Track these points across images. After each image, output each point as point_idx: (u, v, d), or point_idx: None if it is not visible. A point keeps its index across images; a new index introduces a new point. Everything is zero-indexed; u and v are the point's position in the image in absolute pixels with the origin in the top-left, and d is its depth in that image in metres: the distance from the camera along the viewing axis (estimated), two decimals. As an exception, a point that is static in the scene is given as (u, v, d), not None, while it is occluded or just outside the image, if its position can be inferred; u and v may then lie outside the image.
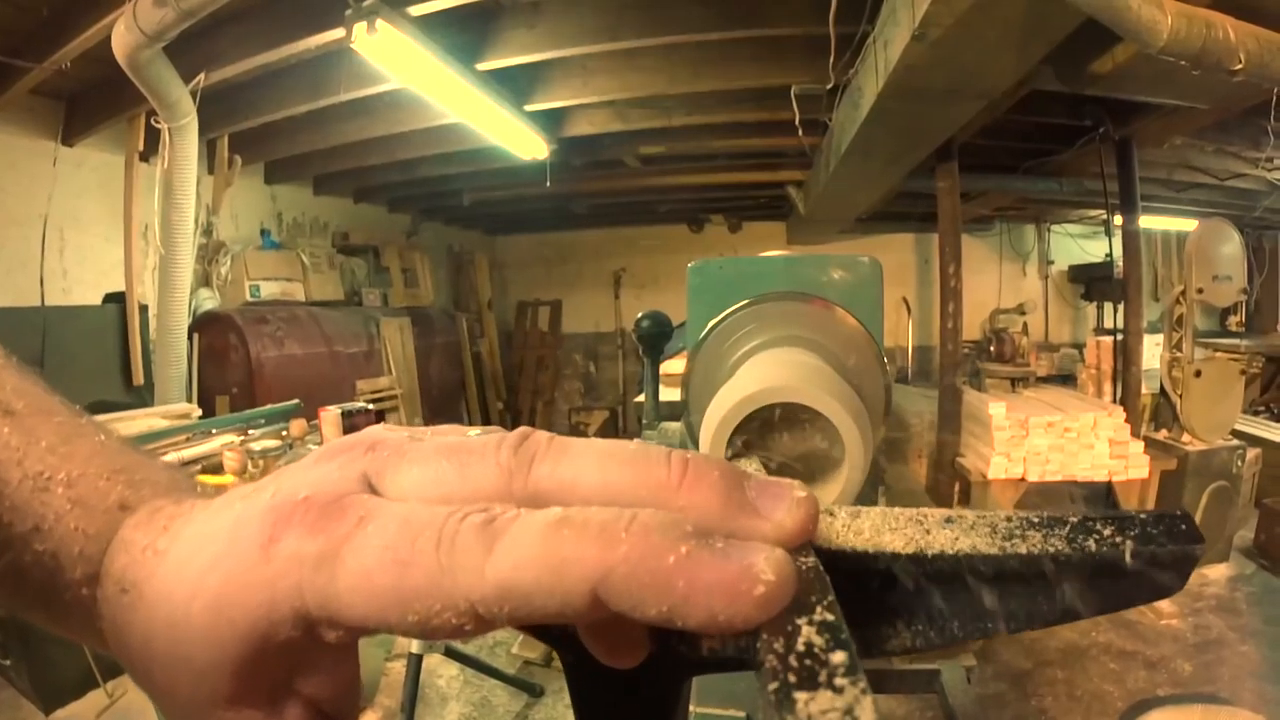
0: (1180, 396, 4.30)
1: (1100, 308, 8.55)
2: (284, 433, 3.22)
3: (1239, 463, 4.27)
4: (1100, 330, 7.90)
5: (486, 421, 8.27)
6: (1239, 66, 1.92)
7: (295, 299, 5.52)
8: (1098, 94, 3.39)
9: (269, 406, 3.58)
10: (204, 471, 2.62)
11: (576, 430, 9.10)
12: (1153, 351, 4.99)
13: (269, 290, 5.31)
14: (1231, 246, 4.33)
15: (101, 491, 0.29)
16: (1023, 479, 4.22)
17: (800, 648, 0.19)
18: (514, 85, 3.98)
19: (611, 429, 9.10)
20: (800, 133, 4.14)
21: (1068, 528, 0.26)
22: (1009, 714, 3.05)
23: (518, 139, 4.47)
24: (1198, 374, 4.25)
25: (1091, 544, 0.26)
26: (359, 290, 6.51)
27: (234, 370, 4.65)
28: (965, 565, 0.26)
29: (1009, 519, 0.27)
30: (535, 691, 3.27)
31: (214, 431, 3.04)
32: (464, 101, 3.70)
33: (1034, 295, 9.14)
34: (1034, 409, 4.37)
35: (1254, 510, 4.60)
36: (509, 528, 0.21)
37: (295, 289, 5.56)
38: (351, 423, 3.24)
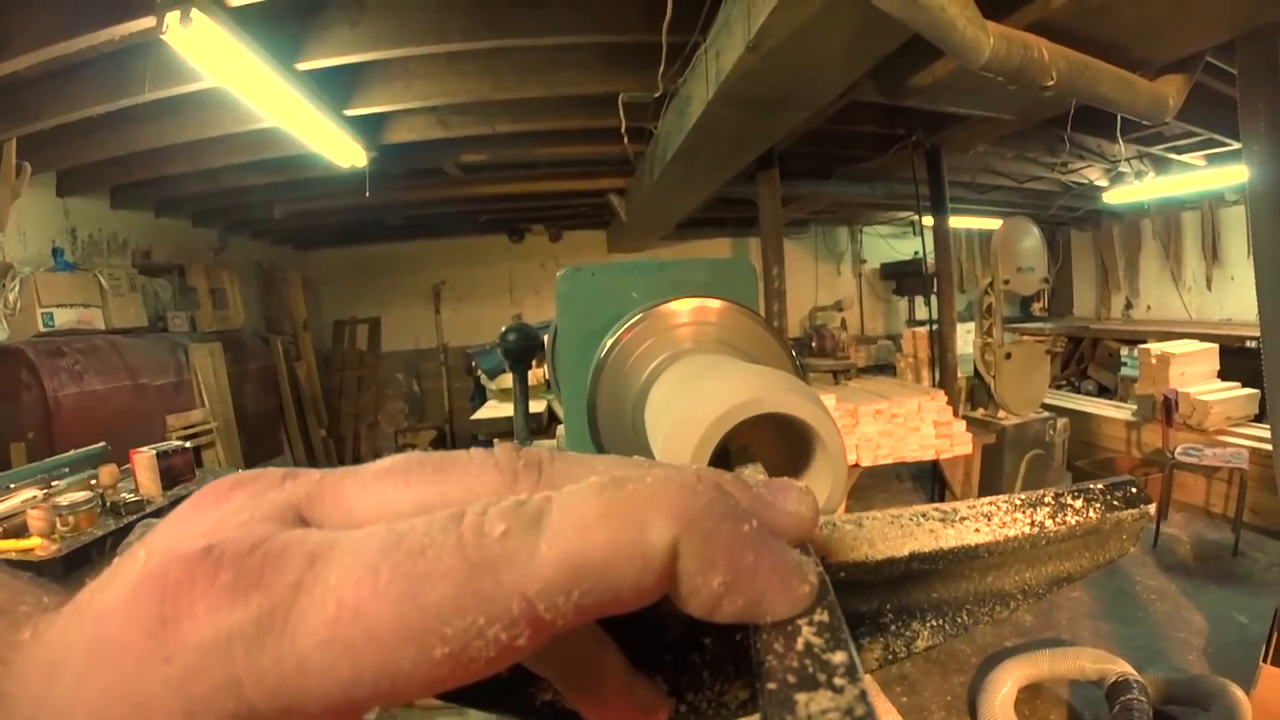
0: (994, 377, 4.76)
1: (911, 301, 9.34)
2: (93, 481, 2.86)
3: (1051, 432, 4.81)
4: (913, 322, 8.62)
5: (309, 449, 7.84)
6: (1050, 83, 2.14)
7: (94, 327, 5.00)
8: (915, 105, 3.67)
9: (72, 452, 3.19)
10: (5, 535, 2.26)
11: (404, 452, 8.79)
12: (964, 338, 5.49)
13: (64, 318, 4.76)
14: (1032, 241, 4.85)
15: None
16: (856, 464, 4.49)
17: (800, 648, 0.19)
18: (333, 87, 3.78)
19: (441, 447, 8.82)
20: (625, 140, 4.18)
21: (1048, 507, 0.28)
22: (874, 680, 3.21)
23: (335, 146, 4.25)
24: (1008, 356, 4.73)
25: (1071, 518, 0.28)
26: (164, 314, 5.99)
27: (28, 412, 4.14)
28: (974, 555, 0.27)
29: (996, 505, 0.28)
30: (404, 730, 3.09)
31: (12, 486, 2.65)
32: (281, 104, 3.46)
33: (849, 292, 9.88)
34: (861, 398, 4.67)
35: (1067, 472, 5.23)
36: (551, 502, 0.18)
37: (93, 315, 5.02)
38: (168, 464, 2.99)
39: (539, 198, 7.09)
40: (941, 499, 5.04)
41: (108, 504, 2.71)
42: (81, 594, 0.19)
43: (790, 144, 4.68)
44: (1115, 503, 0.29)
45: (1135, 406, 5.81)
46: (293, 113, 3.62)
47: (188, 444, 3.20)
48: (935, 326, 5.59)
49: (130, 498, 2.79)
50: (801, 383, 0.66)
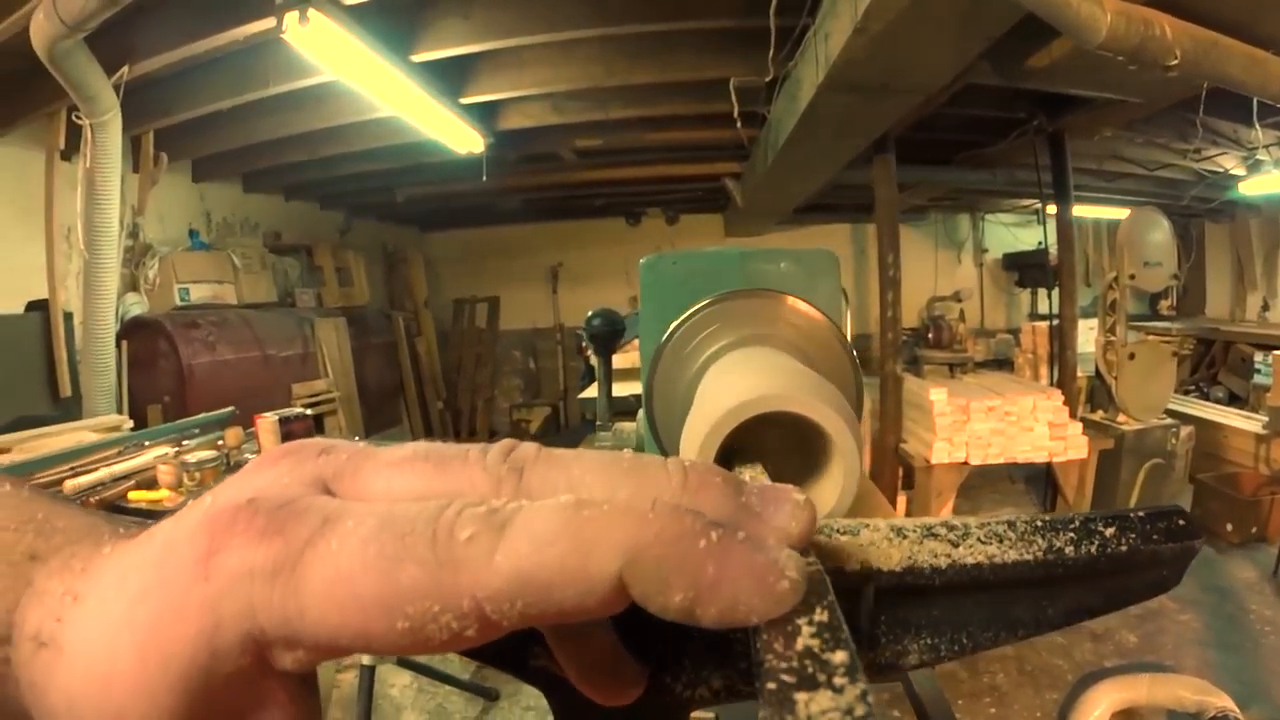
0: (1115, 378, 4.47)
1: (1034, 294, 8.85)
2: (219, 442, 3.09)
3: (1173, 440, 4.46)
4: (1034, 316, 8.18)
5: (426, 421, 8.19)
6: (1174, 63, 1.98)
7: (226, 302, 5.38)
8: (1033, 88, 3.47)
9: (202, 415, 3.45)
10: (137, 487, 2.48)
11: (518, 428, 9.05)
12: (1087, 335, 5.17)
13: (199, 293, 5.16)
14: (1161, 234, 4.51)
15: (8, 544, 0.25)
16: (965, 463, 4.33)
17: (800, 648, 0.19)
18: (449, 77, 3.91)
19: (553, 426, 9.07)
20: (739, 125, 4.14)
21: (1071, 531, 0.27)
22: (964, 690, 3.12)
23: (453, 133, 4.40)
24: (1131, 356, 4.42)
25: (1095, 547, 0.26)
26: (292, 291, 6.37)
27: (164, 378, 4.50)
28: (975, 576, 0.26)
29: (1012, 525, 0.27)
30: (491, 696, 3.23)
31: (146, 444, 2.91)
32: (398, 94, 3.62)
33: (969, 283, 9.41)
34: (974, 394, 4.49)
35: (1189, 485, 4.83)
36: (517, 515, 0.20)
37: (226, 291, 5.41)
38: (289, 429, 3.15)
39: (654, 182, 7.12)
40: (1054, 505, 4.80)
41: (231, 463, 2.89)
42: (156, 525, 0.24)
43: (907, 129, 4.51)
44: (1154, 535, 0.27)
45: (1266, 418, 5.29)
46: (410, 102, 3.76)
47: (309, 412, 3.38)
48: (1055, 322, 5.30)
49: (252, 458, 2.98)
50: (824, 383, 0.65)
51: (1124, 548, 0.26)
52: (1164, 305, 8.18)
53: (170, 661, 0.20)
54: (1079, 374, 5.11)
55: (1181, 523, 0.27)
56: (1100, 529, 0.27)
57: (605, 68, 3.92)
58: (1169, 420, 4.60)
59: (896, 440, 4.70)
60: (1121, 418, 4.52)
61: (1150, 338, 5.04)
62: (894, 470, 4.65)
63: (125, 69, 3.21)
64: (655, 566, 0.19)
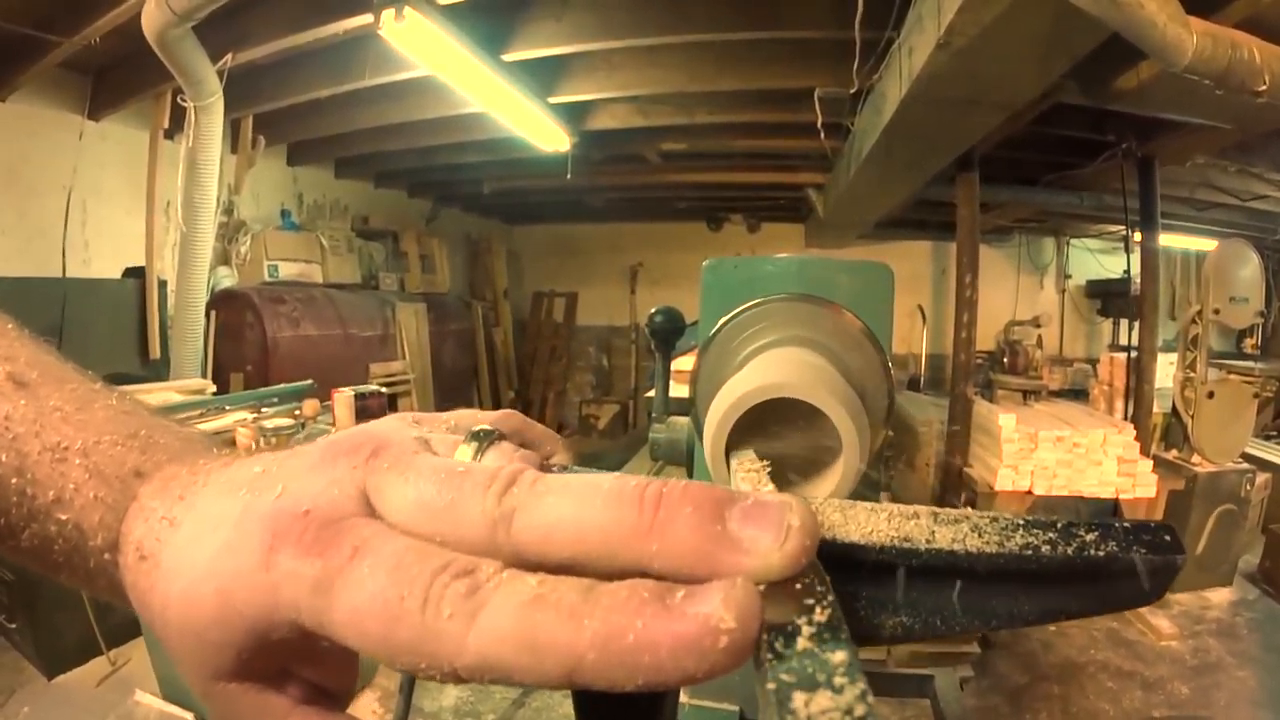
0: (1192, 417, 4.26)
1: (1116, 324, 8.50)
2: (297, 412, 3.24)
3: (1248, 486, 4.21)
4: (1115, 347, 7.84)
5: (497, 408, 8.32)
6: (1263, 88, 1.91)
7: (312, 280, 5.57)
8: (1121, 109, 3.37)
9: (282, 385, 3.62)
10: (216, 446, 2.64)
11: (586, 422, 9.13)
12: (1166, 370, 4.95)
13: (287, 271, 5.36)
14: (1250, 268, 4.28)
15: (117, 459, 0.30)
16: (1029, 492, 4.21)
17: (800, 648, 0.19)
18: (538, 77, 3.99)
19: (621, 423, 9.12)
20: (822, 135, 4.12)
21: (1052, 532, 0.27)
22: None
23: (540, 130, 4.49)
24: (1210, 395, 4.21)
25: (1072, 550, 0.26)
26: (376, 274, 6.54)
27: (249, 348, 4.69)
28: (950, 561, 0.27)
29: (995, 520, 0.27)
30: (532, 679, 3.28)
31: (228, 408, 3.08)
32: (488, 91, 3.73)
33: (1050, 308, 9.08)
34: (1044, 422, 4.36)
35: (1260, 535, 4.55)
36: (490, 598, 0.22)
37: (313, 270, 5.60)
38: (364, 404, 3.26)
39: (737, 188, 7.12)
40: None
41: (307, 432, 3.05)
42: (236, 470, 0.29)
43: (992, 147, 4.40)
44: (1136, 546, 0.27)
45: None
46: (500, 100, 3.87)
47: (384, 390, 3.50)
48: (1134, 354, 5.09)
49: (326, 429, 3.12)
50: (837, 378, 0.69)
51: (1101, 553, 0.26)
52: (1249, 344, 7.72)
53: (242, 613, 0.25)
54: (1155, 410, 4.89)
55: (1166, 538, 0.27)
56: (1081, 534, 0.27)
57: (691, 73, 3.95)
58: (1245, 465, 4.32)
59: (962, 463, 4.62)
60: (1195, 458, 4.30)
61: (1231, 377, 4.77)
62: (957, 494, 4.57)
63: (229, 57, 3.38)
64: (595, 670, 0.20)
